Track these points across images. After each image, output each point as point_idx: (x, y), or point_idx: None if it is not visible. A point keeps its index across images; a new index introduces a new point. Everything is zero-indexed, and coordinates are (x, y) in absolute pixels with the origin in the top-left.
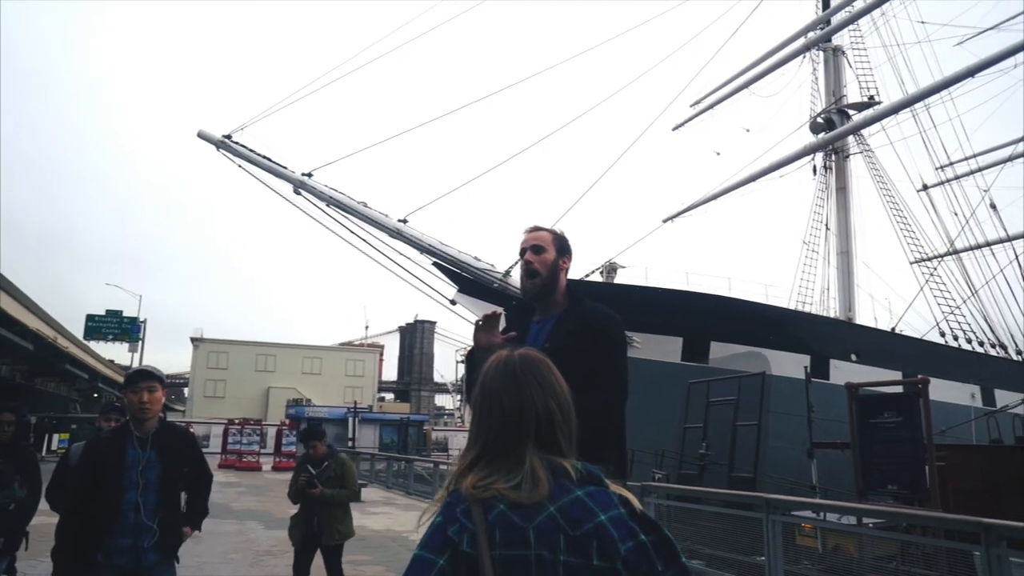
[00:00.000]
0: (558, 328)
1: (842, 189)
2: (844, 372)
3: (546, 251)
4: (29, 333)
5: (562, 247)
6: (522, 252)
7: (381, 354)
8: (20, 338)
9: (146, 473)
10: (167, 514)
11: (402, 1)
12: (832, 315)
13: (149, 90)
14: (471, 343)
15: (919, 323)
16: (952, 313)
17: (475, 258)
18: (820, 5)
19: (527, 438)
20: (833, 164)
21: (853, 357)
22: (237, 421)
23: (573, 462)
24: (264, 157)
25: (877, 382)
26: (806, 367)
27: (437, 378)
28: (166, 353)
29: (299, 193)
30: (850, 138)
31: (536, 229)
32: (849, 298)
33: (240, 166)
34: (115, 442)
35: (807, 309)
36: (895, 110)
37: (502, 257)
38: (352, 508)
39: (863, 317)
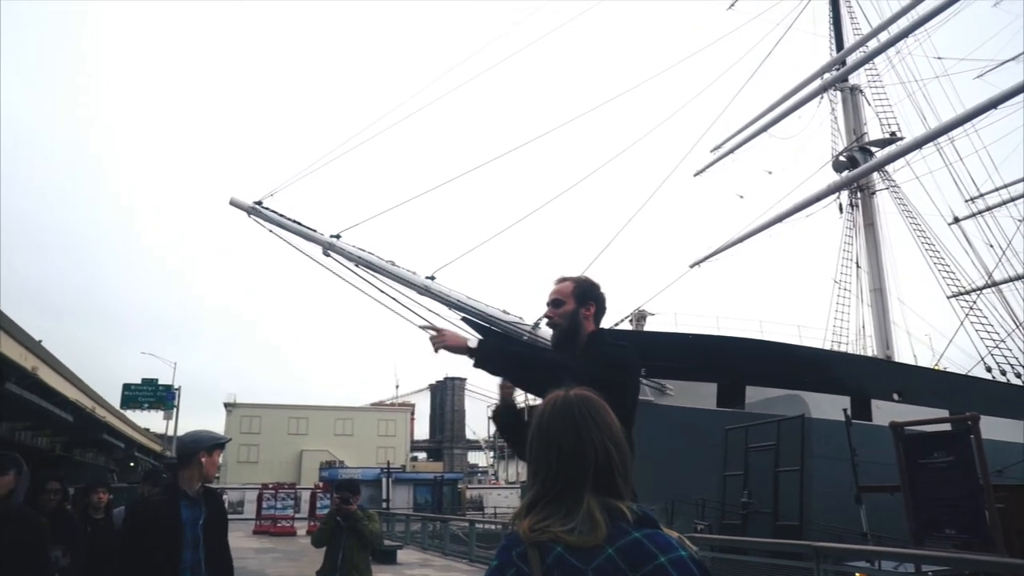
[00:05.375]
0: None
1: (870, 226)
2: (887, 412)
3: (565, 303)
4: (68, 404)
5: (583, 296)
6: (547, 305)
7: (412, 413)
8: (60, 409)
9: (197, 531)
10: (217, 569)
11: (421, 62)
12: (870, 354)
13: (174, 160)
14: (498, 400)
15: (962, 359)
16: (997, 347)
17: (503, 311)
18: (834, 47)
19: (585, 479)
20: (859, 201)
21: (895, 396)
22: (271, 486)
23: (629, 504)
24: (294, 221)
25: (923, 420)
26: (846, 409)
27: (469, 435)
28: (200, 419)
29: (328, 255)
30: (875, 175)
31: (562, 280)
32: (886, 336)
33: (271, 231)
34: (168, 503)
35: (843, 349)
36: (918, 145)
37: (530, 309)
38: (389, 571)
39: (902, 355)
